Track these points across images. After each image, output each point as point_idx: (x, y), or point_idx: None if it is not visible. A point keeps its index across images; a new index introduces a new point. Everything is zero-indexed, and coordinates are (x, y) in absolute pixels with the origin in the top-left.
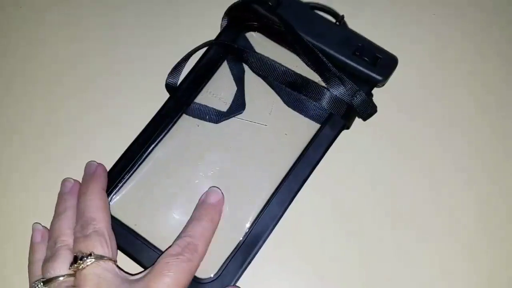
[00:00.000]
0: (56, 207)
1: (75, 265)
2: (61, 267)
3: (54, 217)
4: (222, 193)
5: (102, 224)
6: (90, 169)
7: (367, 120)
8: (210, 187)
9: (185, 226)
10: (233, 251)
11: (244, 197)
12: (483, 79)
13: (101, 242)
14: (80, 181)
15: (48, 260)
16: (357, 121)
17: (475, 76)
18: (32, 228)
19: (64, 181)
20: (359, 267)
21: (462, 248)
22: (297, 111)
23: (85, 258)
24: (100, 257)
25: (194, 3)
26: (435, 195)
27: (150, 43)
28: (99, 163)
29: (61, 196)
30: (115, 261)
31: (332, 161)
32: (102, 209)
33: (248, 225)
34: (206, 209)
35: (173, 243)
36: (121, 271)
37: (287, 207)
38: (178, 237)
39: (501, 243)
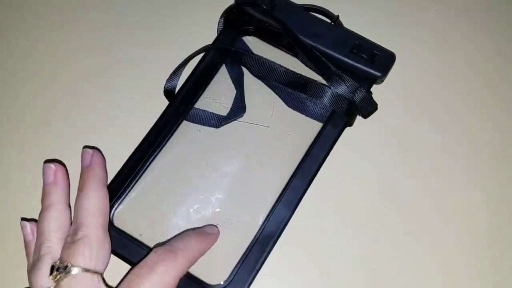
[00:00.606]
0: (41, 200)
1: (51, 277)
2: (44, 279)
3: (40, 212)
4: (218, 231)
5: (91, 231)
6: (86, 160)
7: (369, 119)
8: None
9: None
10: (242, 256)
11: (251, 200)
12: (483, 75)
13: (84, 252)
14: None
15: (32, 269)
16: (359, 119)
17: (475, 71)
18: (21, 226)
19: (44, 167)
20: (365, 266)
21: (467, 247)
22: (299, 111)
23: (62, 270)
24: (79, 269)
25: (193, 4)
26: (439, 193)
27: (150, 44)
28: (94, 151)
29: (44, 187)
30: (98, 273)
31: (335, 160)
32: (94, 213)
33: (256, 229)
34: (199, 232)
35: (151, 250)
36: (102, 285)
37: (295, 208)
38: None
39: (504, 243)
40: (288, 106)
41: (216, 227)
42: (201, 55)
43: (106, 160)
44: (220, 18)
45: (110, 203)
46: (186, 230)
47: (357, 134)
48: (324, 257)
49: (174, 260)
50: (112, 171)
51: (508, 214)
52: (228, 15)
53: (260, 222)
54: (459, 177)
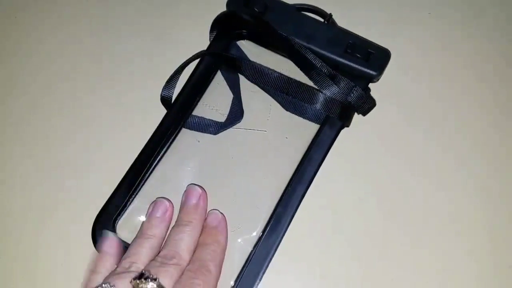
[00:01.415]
0: (143, 228)
1: (137, 281)
2: (126, 284)
3: (138, 237)
4: (221, 213)
5: (182, 263)
6: (194, 197)
7: (367, 119)
8: (209, 211)
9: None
10: (246, 261)
11: (251, 206)
12: (480, 74)
13: (174, 275)
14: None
15: (116, 273)
16: (358, 119)
17: (473, 71)
18: (103, 235)
19: (158, 201)
20: (364, 267)
21: (466, 247)
22: (296, 114)
23: (149, 280)
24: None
25: (187, 11)
26: (439, 194)
27: (145, 52)
28: (203, 191)
29: (152, 218)
30: None
31: (334, 161)
32: (189, 248)
33: (258, 234)
34: (209, 233)
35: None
36: None
37: (295, 211)
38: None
39: (504, 243)
40: (286, 110)
41: (218, 211)
42: (196, 62)
43: (107, 170)
44: (212, 24)
45: (113, 216)
46: (201, 237)
47: (355, 135)
48: (325, 258)
49: (209, 270)
50: (114, 180)
51: (508, 215)
52: (221, 20)
53: (261, 227)
54: (459, 179)
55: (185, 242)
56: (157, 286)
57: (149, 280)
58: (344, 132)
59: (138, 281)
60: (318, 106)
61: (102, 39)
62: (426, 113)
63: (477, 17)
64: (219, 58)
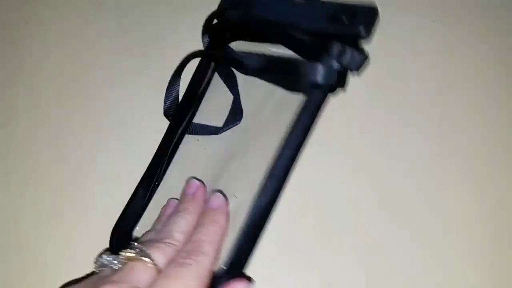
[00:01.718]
0: (180, 203)
1: (124, 251)
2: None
3: (175, 212)
4: (224, 196)
5: (176, 242)
6: (192, 188)
7: (362, 116)
8: (213, 194)
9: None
10: (239, 237)
11: (245, 186)
12: (478, 75)
13: (165, 252)
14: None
15: (148, 246)
16: (357, 108)
17: (473, 72)
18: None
19: (190, 181)
20: (364, 260)
21: (461, 242)
22: (293, 92)
23: (138, 250)
24: (149, 260)
25: (181, 18)
26: (437, 193)
27: (141, 61)
28: (201, 184)
29: (187, 196)
30: (159, 269)
31: (331, 156)
32: (184, 232)
33: (247, 208)
34: (207, 214)
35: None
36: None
37: (284, 179)
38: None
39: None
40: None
41: (221, 194)
42: (192, 70)
43: (118, 181)
44: (202, 30)
45: (130, 226)
46: (200, 219)
47: (354, 126)
48: (323, 253)
49: (201, 251)
50: (126, 188)
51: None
52: (211, 24)
53: (250, 200)
54: (459, 170)
55: (178, 225)
56: (145, 255)
57: (138, 251)
58: (341, 122)
59: (125, 252)
60: (314, 77)
61: (109, 46)
62: (426, 112)
63: (482, 24)
64: (212, 59)
